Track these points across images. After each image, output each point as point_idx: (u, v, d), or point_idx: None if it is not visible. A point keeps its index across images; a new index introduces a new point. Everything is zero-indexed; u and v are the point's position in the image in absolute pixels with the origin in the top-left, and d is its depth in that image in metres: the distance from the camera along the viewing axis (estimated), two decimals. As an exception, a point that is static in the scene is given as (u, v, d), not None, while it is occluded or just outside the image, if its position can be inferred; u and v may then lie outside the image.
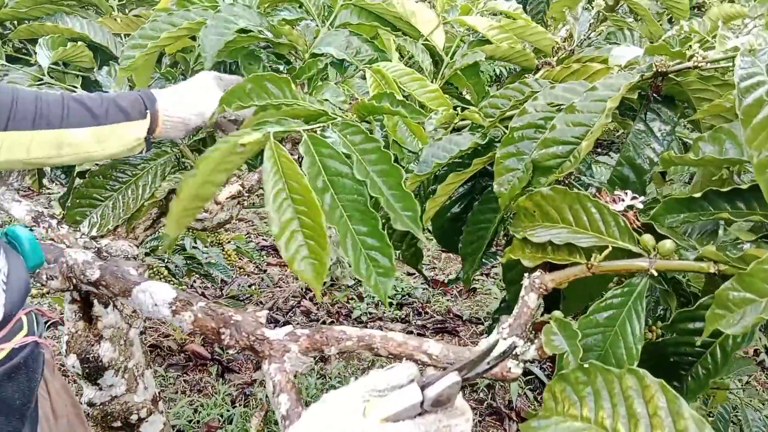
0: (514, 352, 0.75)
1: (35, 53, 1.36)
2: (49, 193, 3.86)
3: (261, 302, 3.50)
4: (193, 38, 1.34)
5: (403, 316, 3.43)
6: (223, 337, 0.81)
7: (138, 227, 1.25)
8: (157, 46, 1.18)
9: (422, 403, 0.55)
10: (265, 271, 3.86)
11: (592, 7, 1.45)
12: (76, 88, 1.35)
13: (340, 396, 0.58)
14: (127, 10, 1.69)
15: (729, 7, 1.22)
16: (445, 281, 3.44)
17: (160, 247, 2.33)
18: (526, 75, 1.32)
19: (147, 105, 1.02)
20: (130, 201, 1.23)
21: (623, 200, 0.79)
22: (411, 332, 3.25)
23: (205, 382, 2.90)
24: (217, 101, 0.99)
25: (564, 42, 1.31)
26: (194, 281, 3.71)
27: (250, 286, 3.66)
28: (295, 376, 0.80)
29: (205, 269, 3.12)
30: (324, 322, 3.28)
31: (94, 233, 1.21)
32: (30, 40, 1.48)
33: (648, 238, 0.73)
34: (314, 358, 0.80)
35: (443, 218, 1.13)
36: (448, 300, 3.60)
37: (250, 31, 1.23)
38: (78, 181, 1.32)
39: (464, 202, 1.14)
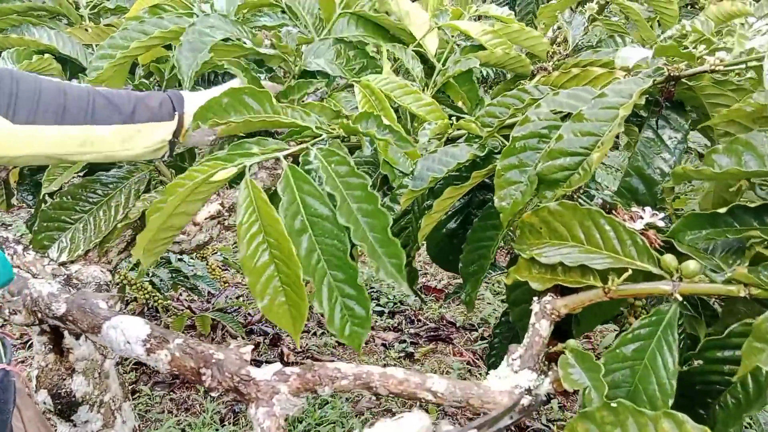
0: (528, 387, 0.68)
1: (-2, 67, 1.27)
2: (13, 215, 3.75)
3: (250, 314, 3.41)
4: (168, 47, 1.27)
5: (396, 325, 3.36)
6: (204, 378, 0.73)
7: (111, 251, 1.16)
8: (128, 56, 1.10)
9: None
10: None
11: (584, 11, 1.39)
12: (42, 102, 1.27)
13: None
14: (101, 20, 1.60)
15: (729, 5, 1.16)
16: (443, 291, 3.36)
17: (134, 273, 2.25)
18: (521, 81, 1.26)
19: (175, 106, 0.97)
20: (102, 223, 1.15)
21: (642, 218, 0.72)
22: (404, 341, 3.18)
23: (193, 400, 2.81)
24: None
25: (559, 47, 1.25)
26: (180, 294, 3.61)
27: (237, 298, 3.57)
28: (286, 420, 0.72)
29: (191, 282, 3.03)
30: (315, 334, 3.20)
31: (63, 259, 1.13)
32: (-6, 52, 1.39)
33: (670, 259, 0.67)
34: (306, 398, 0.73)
35: (439, 234, 1.06)
36: (440, 307, 3.53)
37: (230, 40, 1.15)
38: (46, 202, 1.24)
39: (461, 217, 1.07)
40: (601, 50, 1.14)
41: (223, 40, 1.18)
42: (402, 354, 3.07)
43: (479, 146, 0.94)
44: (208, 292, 3.45)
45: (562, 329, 0.79)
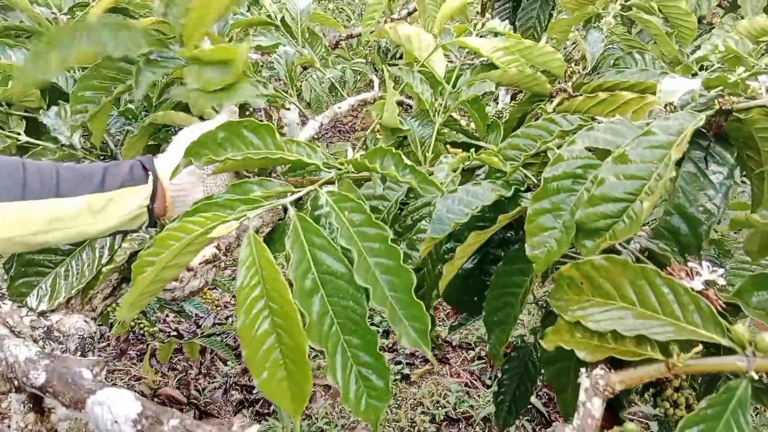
0: None
1: (-31, 94, 1.16)
2: None
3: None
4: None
5: (390, 345, 3.26)
6: (204, 466, 0.63)
7: (95, 297, 1.06)
8: (112, 100, 1.00)
9: None
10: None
11: (601, 25, 1.31)
12: (19, 134, 1.16)
13: None
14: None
15: (764, 20, 1.08)
16: (437, 309, 3.26)
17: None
18: (539, 101, 1.17)
19: (146, 166, 0.87)
20: (85, 267, 1.05)
21: (699, 274, 0.63)
22: (399, 362, 3.08)
23: None
24: None
25: (577, 65, 1.16)
26: (167, 315, 3.49)
27: (226, 319, 3.46)
28: None
29: (179, 304, 2.91)
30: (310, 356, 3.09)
31: (43, 307, 1.02)
32: (-33, 77, 1.28)
33: (742, 331, 0.58)
34: None
35: (454, 276, 0.97)
36: (437, 326, 3.44)
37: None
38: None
39: (478, 257, 0.98)
40: (625, 70, 1.06)
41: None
42: (398, 376, 2.97)
43: (503, 184, 0.85)
44: (196, 314, 3.34)
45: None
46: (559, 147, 0.87)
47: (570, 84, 1.10)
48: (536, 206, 0.76)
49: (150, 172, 0.86)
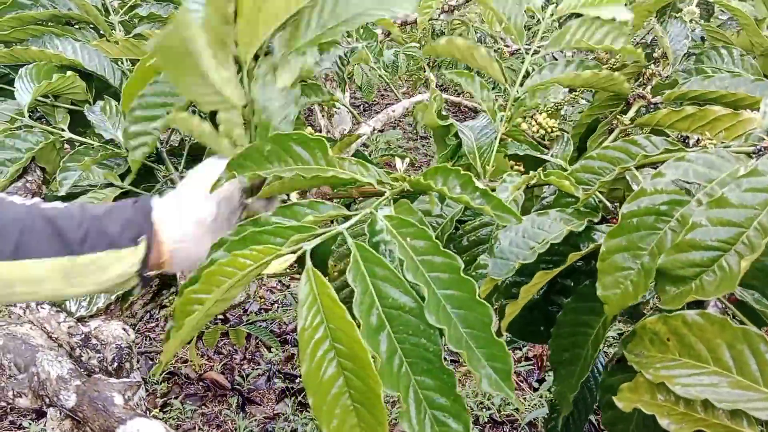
0: None
1: (18, 86, 1.14)
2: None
3: (284, 322, 3.29)
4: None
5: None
6: None
7: (135, 303, 1.02)
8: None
9: None
10: (288, 286, 3.64)
11: (684, 16, 1.18)
12: (63, 130, 1.13)
13: None
14: (136, 24, 1.45)
15: None
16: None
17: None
18: (613, 106, 1.07)
19: (143, 224, 0.70)
20: (126, 272, 1.01)
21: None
22: (445, 359, 3.01)
23: (225, 416, 2.70)
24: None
25: (657, 65, 1.05)
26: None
27: (272, 304, 3.45)
28: None
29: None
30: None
31: (81, 313, 0.99)
32: (16, 66, 1.26)
33: None
34: None
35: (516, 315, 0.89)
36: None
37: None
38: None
39: (543, 288, 0.90)
40: (714, 76, 0.94)
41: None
42: (442, 373, 2.91)
43: (574, 213, 0.76)
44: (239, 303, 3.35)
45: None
46: (639, 168, 0.78)
47: (649, 89, 0.99)
48: (612, 243, 0.67)
49: (143, 235, 0.70)
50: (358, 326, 0.59)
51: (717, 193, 0.61)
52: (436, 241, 0.64)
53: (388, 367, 0.59)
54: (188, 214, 0.72)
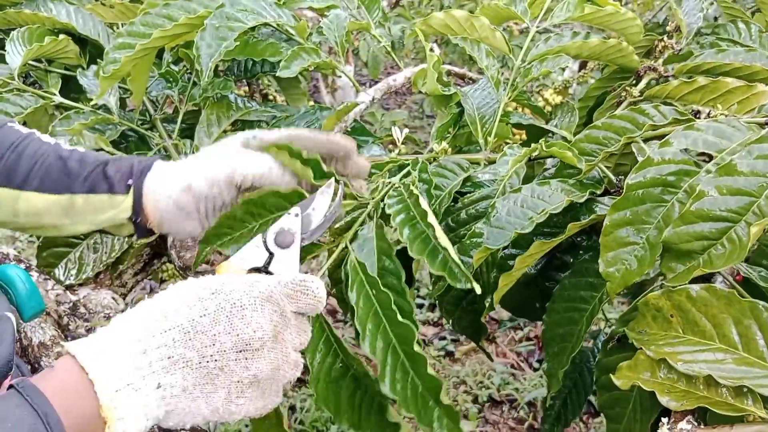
0: None
1: (9, 50, 1.11)
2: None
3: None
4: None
5: (436, 319, 3.18)
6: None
7: (126, 273, 1.00)
8: (149, 47, 0.92)
9: (265, 237, 0.59)
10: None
11: None
12: (54, 94, 1.10)
13: None
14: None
15: None
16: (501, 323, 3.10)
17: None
18: (623, 79, 1.03)
19: (134, 175, 0.71)
20: (115, 240, 0.99)
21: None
22: (444, 338, 3.00)
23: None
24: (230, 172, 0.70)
25: (671, 38, 1.01)
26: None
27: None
28: None
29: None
30: (350, 324, 3.05)
31: (71, 281, 0.97)
32: (9, 30, 1.22)
33: None
34: None
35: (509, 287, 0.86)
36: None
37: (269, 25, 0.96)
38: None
39: (541, 262, 0.87)
40: (729, 50, 0.90)
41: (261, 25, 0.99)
42: (442, 353, 2.90)
43: (576, 184, 0.73)
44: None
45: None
46: (646, 141, 0.75)
47: (660, 62, 0.96)
48: (615, 216, 0.64)
49: (131, 184, 0.71)
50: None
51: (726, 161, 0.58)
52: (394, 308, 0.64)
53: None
54: (177, 192, 0.70)
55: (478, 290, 0.63)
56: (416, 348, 0.61)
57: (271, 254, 0.59)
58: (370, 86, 1.15)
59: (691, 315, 0.56)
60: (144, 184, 0.70)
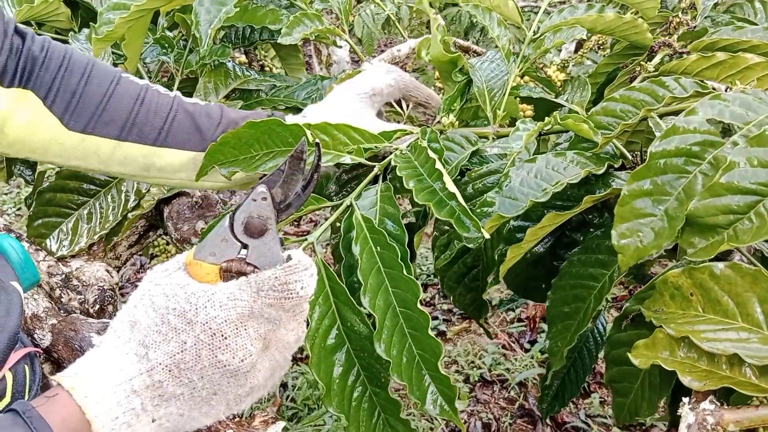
0: None
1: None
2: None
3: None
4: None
5: (428, 299, 3.18)
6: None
7: (120, 244, 0.97)
8: (143, 9, 0.88)
9: (233, 229, 0.51)
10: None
11: None
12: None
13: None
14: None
15: None
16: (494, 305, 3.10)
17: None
18: (635, 55, 1.00)
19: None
20: (110, 211, 0.96)
21: None
22: (436, 317, 3.00)
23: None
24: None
25: (685, 14, 0.98)
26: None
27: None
28: None
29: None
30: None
31: (63, 252, 0.94)
32: (-5, -9, 1.17)
33: None
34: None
35: (520, 259, 0.84)
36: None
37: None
38: (47, 178, 1.04)
39: (551, 239, 0.85)
40: (746, 27, 0.88)
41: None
42: (434, 332, 2.89)
43: (593, 157, 0.71)
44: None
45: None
46: (661, 116, 0.72)
47: (675, 38, 0.93)
48: (634, 186, 0.62)
49: None
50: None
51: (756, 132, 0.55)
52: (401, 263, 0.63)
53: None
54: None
55: (487, 236, 0.61)
56: (418, 307, 0.60)
57: (245, 245, 0.51)
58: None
59: (713, 293, 0.54)
60: None
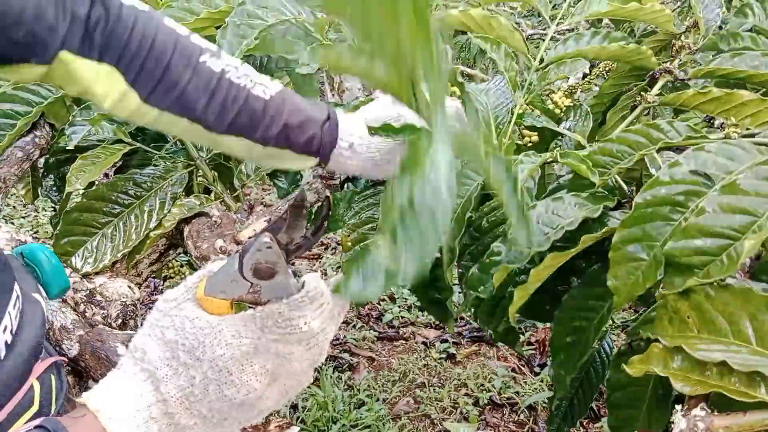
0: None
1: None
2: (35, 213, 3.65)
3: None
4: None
5: (437, 322, 3.20)
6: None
7: (141, 262, 1.02)
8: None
9: (242, 273, 0.51)
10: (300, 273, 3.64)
11: None
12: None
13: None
14: None
15: None
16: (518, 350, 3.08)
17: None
18: (637, 80, 1.04)
19: (325, 147, 0.79)
20: (133, 230, 1.00)
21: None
22: (446, 340, 3.02)
23: None
24: None
25: (687, 37, 1.01)
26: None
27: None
28: None
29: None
30: (354, 326, 3.06)
31: (87, 269, 0.98)
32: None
33: None
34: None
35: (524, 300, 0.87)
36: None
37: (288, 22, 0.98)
38: (73, 198, 1.09)
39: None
40: (745, 53, 0.91)
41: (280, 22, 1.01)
42: (443, 355, 2.91)
43: (590, 197, 0.75)
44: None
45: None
46: (659, 151, 0.76)
47: (676, 63, 0.97)
48: (625, 233, 0.66)
49: (317, 158, 0.80)
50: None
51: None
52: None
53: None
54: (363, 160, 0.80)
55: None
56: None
57: (254, 284, 0.52)
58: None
59: (708, 314, 0.57)
60: (331, 155, 0.79)
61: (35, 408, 0.62)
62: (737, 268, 0.58)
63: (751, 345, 0.55)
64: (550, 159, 0.80)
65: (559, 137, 1.02)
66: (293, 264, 0.56)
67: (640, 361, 0.61)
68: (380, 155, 0.80)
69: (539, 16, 2.44)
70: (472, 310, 0.89)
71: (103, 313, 0.92)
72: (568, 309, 0.76)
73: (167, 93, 0.70)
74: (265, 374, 0.52)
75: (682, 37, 1.00)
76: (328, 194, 0.57)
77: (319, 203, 0.57)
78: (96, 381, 0.72)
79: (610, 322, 1.23)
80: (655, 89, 0.94)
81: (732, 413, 0.53)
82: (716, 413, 0.54)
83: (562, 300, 0.78)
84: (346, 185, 1.14)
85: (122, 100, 0.70)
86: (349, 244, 0.97)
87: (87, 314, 0.91)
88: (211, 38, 1.08)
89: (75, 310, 0.91)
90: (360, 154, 0.80)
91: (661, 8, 0.96)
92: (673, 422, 0.55)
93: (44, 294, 0.69)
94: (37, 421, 0.51)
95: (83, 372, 0.74)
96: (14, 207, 3.78)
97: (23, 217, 3.68)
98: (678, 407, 0.56)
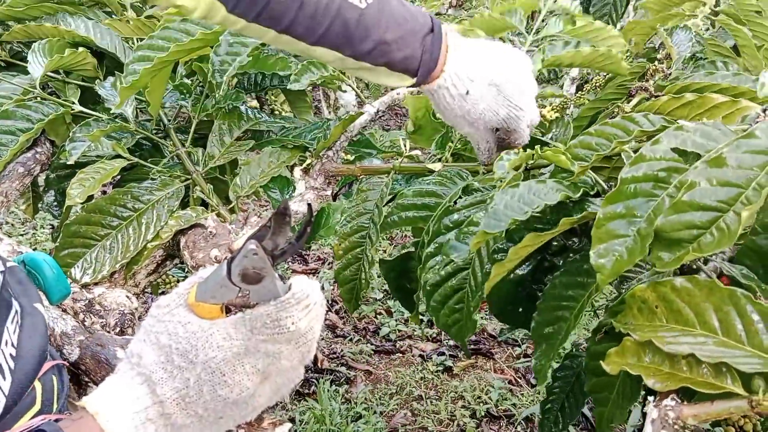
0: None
1: (31, 60, 1.16)
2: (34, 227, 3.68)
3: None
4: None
5: (435, 335, 3.21)
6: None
7: (139, 273, 1.04)
8: (165, 61, 0.97)
9: (231, 278, 0.53)
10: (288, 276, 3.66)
11: (690, 26, 1.20)
12: (74, 103, 1.15)
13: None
14: (146, 8, 1.48)
15: None
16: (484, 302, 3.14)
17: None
18: (615, 100, 1.08)
19: (427, 63, 0.79)
20: (131, 242, 1.03)
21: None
22: (442, 353, 3.03)
23: None
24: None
25: (661, 64, 1.07)
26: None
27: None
28: None
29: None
30: (351, 340, 3.08)
31: (86, 280, 1.01)
32: (28, 43, 1.28)
33: None
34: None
35: (503, 282, 0.89)
36: (482, 318, 3.36)
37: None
38: (73, 212, 1.12)
39: (533, 263, 0.91)
40: (717, 73, 0.96)
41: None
42: (440, 368, 2.92)
43: (570, 185, 0.78)
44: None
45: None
46: (635, 151, 0.80)
47: (652, 83, 1.01)
48: (608, 209, 0.68)
49: (415, 78, 0.80)
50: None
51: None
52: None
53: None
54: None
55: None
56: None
57: (242, 289, 0.54)
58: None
59: (675, 305, 0.60)
60: (430, 85, 0.80)
61: (37, 407, 0.64)
62: (732, 242, 0.59)
63: (717, 336, 0.58)
64: (532, 160, 0.83)
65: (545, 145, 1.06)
66: (279, 268, 0.58)
67: (616, 354, 0.63)
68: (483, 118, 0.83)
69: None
70: (425, 298, 0.91)
71: (101, 322, 0.95)
72: (550, 299, 0.79)
73: (252, 5, 0.72)
74: (256, 373, 0.55)
75: (656, 64, 1.05)
76: (309, 202, 0.59)
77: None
78: (96, 385, 0.75)
79: (591, 311, 1.26)
80: (632, 103, 0.98)
81: (700, 403, 0.56)
82: (685, 403, 0.57)
83: (545, 291, 0.80)
84: (338, 198, 1.18)
85: (210, 11, 0.73)
86: (341, 252, 1.01)
87: (86, 323, 0.94)
88: (206, 58, 1.12)
89: (75, 318, 0.94)
90: (464, 106, 0.82)
91: (618, 34, 1.01)
92: (645, 412, 0.58)
93: (45, 303, 0.71)
94: (37, 422, 0.54)
95: (83, 376, 0.77)
96: (12, 225, 3.80)
97: (21, 235, 3.70)
98: (650, 398, 0.59)
